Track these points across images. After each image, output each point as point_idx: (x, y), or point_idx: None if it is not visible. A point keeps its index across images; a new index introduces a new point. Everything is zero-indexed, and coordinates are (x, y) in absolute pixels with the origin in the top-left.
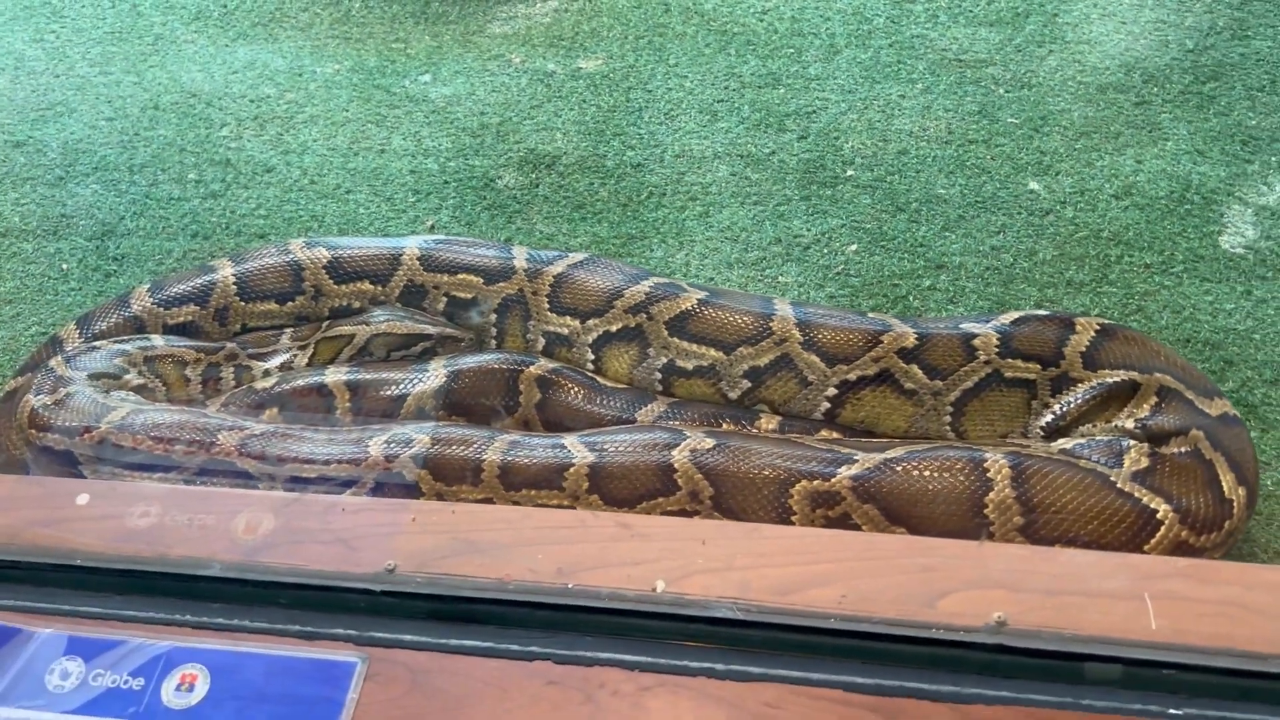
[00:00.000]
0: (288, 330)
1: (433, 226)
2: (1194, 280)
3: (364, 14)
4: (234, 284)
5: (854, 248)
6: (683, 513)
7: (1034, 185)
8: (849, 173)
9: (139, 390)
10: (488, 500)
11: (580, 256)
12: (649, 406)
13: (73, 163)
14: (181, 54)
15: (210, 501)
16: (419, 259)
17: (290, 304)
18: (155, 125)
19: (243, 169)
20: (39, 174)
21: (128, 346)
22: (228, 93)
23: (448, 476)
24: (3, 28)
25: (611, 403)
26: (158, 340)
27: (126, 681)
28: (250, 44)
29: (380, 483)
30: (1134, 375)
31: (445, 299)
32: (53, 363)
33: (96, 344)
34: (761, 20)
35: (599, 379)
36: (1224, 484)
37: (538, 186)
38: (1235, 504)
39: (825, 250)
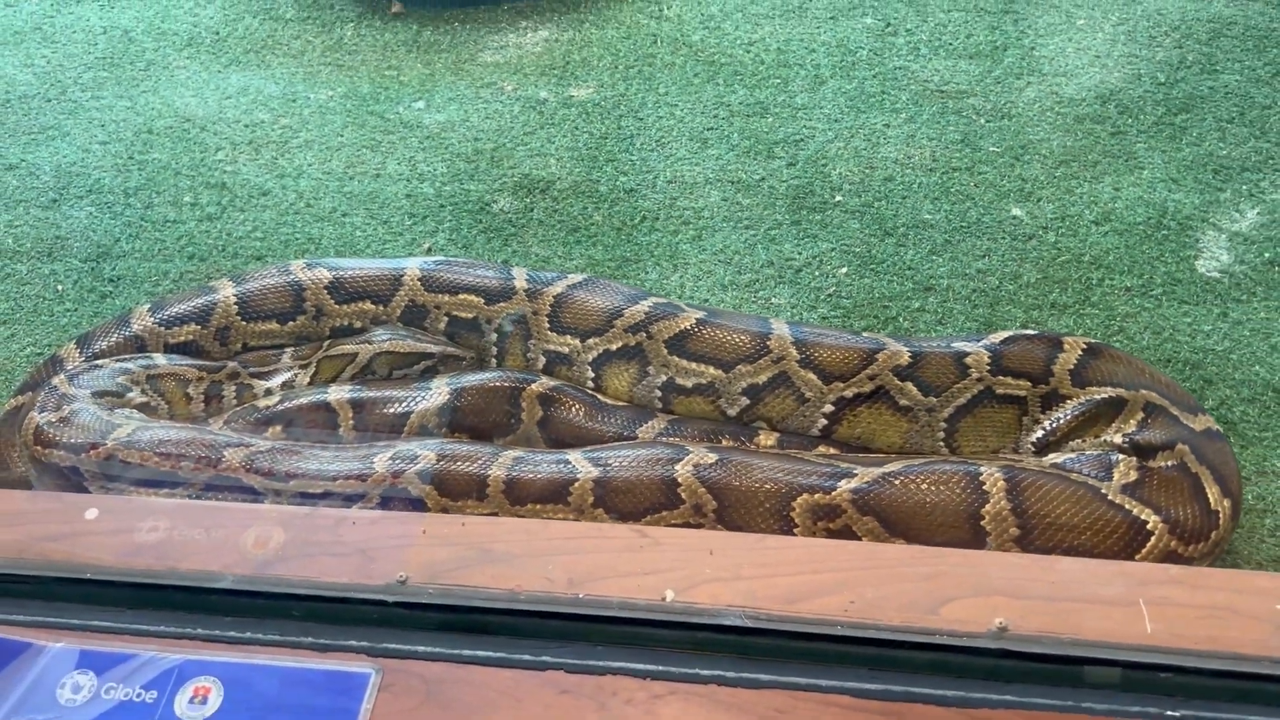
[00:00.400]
0: (289, 349)
1: (430, 249)
2: (1172, 303)
3: (356, 42)
4: (235, 304)
5: (844, 271)
6: (686, 526)
7: (1017, 211)
8: (837, 198)
9: (142, 408)
10: (493, 515)
11: (579, 277)
12: (649, 423)
13: (66, 186)
14: (175, 79)
15: (220, 515)
16: (420, 279)
17: (291, 324)
18: (149, 149)
19: (238, 192)
20: (32, 197)
21: (130, 365)
22: (222, 117)
23: (453, 492)
24: None
25: (612, 420)
26: (160, 359)
27: (139, 695)
28: (243, 70)
29: (386, 498)
30: (1121, 392)
31: (446, 319)
32: (55, 380)
33: (99, 362)
34: (748, 51)
35: (600, 397)
36: (1210, 496)
37: (532, 211)
38: (1221, 515)
39: (816, 273)
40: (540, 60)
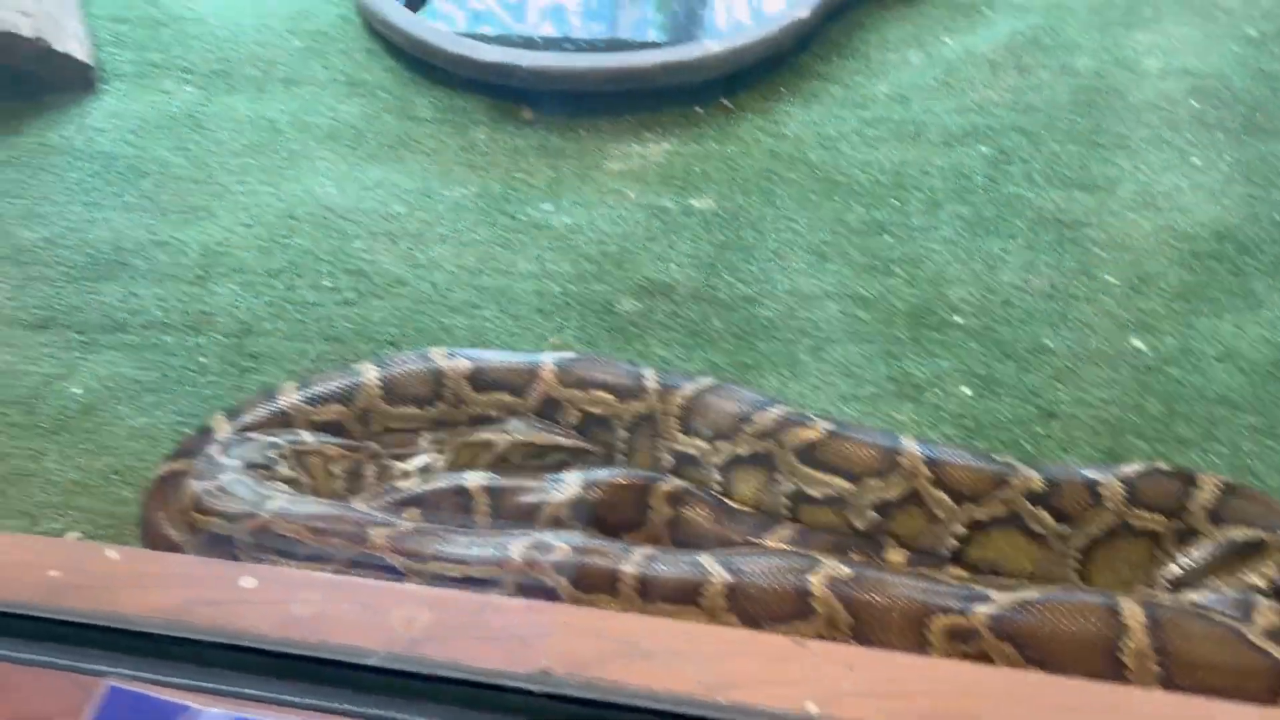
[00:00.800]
0: (426, 434)
1: (556, 343)
2: None
3: (488, 144)
4: (378, 387)
5: (966, 391)
6: (818, 639)
7: (1137, 343)
8: (956, 319)
9: (289, 482)
10: (625, 612)
11: (709, 381)
12: (777, 531)
13: (213, 264)
14: (316, 170)
15: (368, 593)
16: (555, 375)
17: (431, 409)
18: (292, 234)
19: (376, 280)
20: (180, 272)
21: (279, 440)
22: (360, 208)
23: (586, 585)
24: (148, 136)
25: (740, 525)
26: (306, 436)
27: None
28: (381, 165)
29: (521, 586)
30: (1259, 533)
31: (579, 414)
32: (211, 450)
33: (249, 435)
34: (864, 172)
35: (727, 500)
36: None
37: (654, 313)
38: None
39: (938, 391)
40: (662, 170)
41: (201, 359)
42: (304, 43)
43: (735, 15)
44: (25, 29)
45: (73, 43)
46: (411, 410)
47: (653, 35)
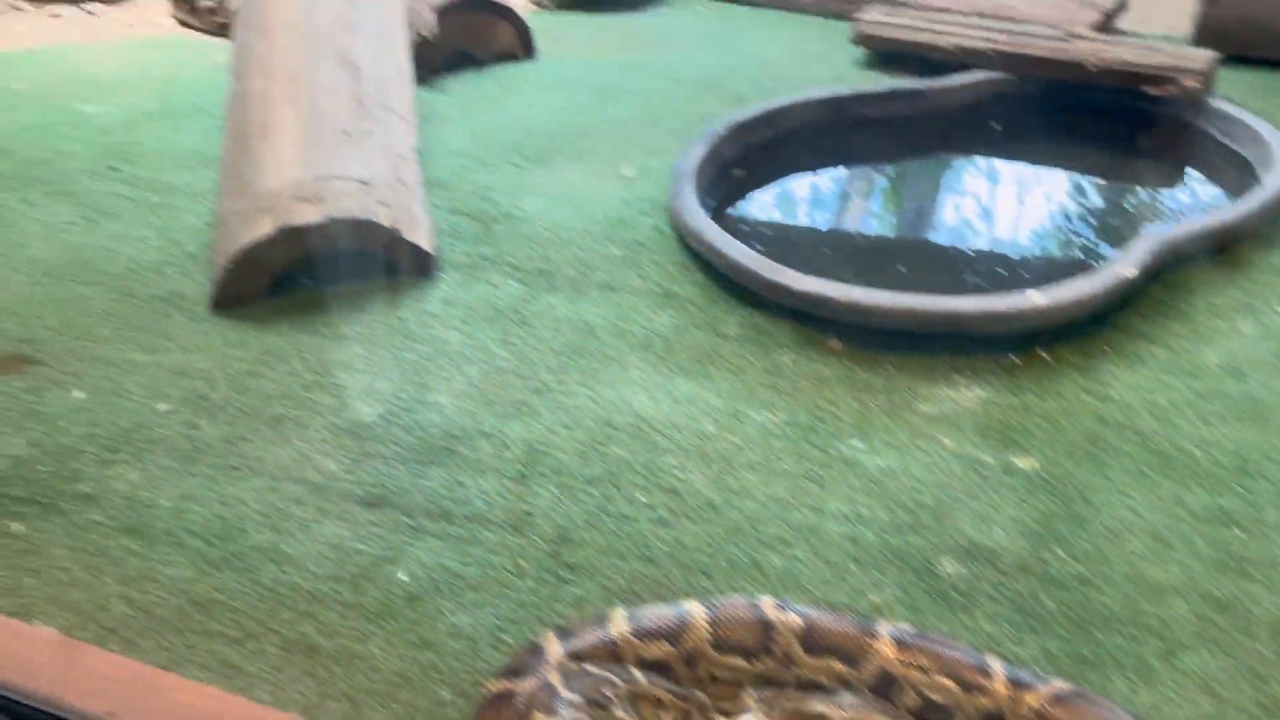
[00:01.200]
0: (750, 690)
1: (877, 605)
2: None
3: (793, 369)
4: (707, 630)
5: None
6: None
7: None
8: None
9: None
10: None
11: (1064, 686)
12: None
13: (533, 462)
14: (629, 378)
15: None
16: (893, 649)
17: (757, 663)
18: (608, 441)
19: (689, 501)
20: (503, 467)
21: (614, 677)
22: (672, 422)
23: None
24: (476, 325)
25: None
26: (639, 676)
27: None
28: (690, 379)
29: None
30: None
31: (918, 698)
32: (551, 678)
33: (586, 667)
34: (1203, 450)
35: None
36: None
37: (979, 581)
38: None
39: None
40: (977, 419)
41: (521, 562)
42: (621, 251)
43: (963, 213)
44: (383, 218)
45: (419, 232)
46: (738, 661)
47: (876, 228)
